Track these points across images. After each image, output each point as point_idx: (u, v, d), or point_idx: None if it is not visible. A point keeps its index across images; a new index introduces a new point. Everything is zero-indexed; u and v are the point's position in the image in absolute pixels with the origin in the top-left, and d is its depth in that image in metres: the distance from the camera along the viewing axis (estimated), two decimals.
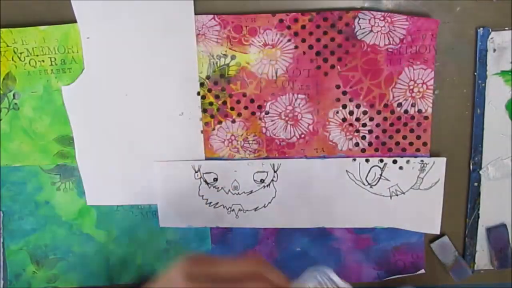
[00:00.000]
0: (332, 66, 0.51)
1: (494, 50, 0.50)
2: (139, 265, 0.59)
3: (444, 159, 0.52)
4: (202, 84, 0.52)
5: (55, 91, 0.52)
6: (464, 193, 0.55)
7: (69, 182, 0.56)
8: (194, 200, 0.55)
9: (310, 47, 0.50)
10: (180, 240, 0.58)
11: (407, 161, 0.52)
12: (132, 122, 0.53)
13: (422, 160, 0.52)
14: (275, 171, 0.53)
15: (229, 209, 0.55)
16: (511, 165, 0.53)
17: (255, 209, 0.55)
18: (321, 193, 0.54)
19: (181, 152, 0.54)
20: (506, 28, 0.50)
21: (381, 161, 0.52)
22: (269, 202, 0.54)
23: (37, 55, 0.51)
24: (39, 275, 0.59)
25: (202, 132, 0.53)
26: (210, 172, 0.54)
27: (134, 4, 0.49)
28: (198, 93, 0.52)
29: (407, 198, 0.53)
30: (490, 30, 0.50)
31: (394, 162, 0.52)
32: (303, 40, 0.50)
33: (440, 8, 0.50)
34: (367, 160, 0.53)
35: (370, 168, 0.53)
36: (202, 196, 0.55)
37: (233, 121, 0.53)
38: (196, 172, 0.54)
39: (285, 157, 0.53)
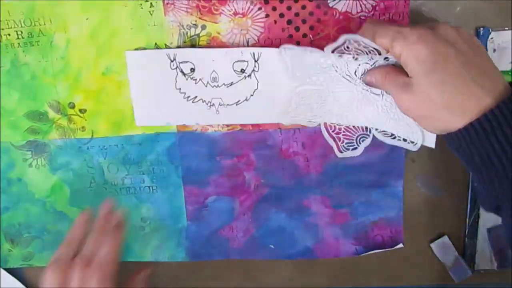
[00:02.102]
0: (304, 35, 0.54)
1: (494, 50, 0.53)
2: None
3: None
4: None
5: (23, 65, 0.56)
6: (464, 193, 0.59)
7: (41, 159, 0.60)
8: (171, 94, 0.56)
9: (281, 15, 0.54)
10: (155, 217, 0.62)
11: None
12: None
13: None
14: (255, 61, 0.54)
15: (209, 103, 0.56)
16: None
17: (237, 103, 0.56)
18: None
19: None
20: (506, 28, 0.53)
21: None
22: (251, 95, 0.56)
23: (3, 29, 0.55)
24: (15, 253, 0.63)
25: None
26: (187, 61, 0.55)
27: None
28: None
29: None
30: (490, 30, 0.53)
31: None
32: (274, 8, 0.53)
33: (440, 8, 0.53)
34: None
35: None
36: (180, 89, 0.56)
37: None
38: (171, 61, 0.55)
39: (265, 46, 0.54)
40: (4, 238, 0.63)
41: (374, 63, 0.49)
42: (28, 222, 0.62)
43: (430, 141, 0.53)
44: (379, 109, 0.53)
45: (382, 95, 0.52)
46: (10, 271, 0.65)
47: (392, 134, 0.55)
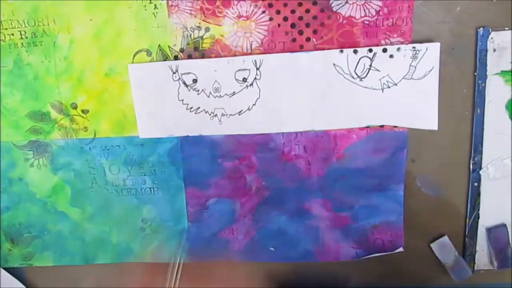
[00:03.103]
0: (308, 39, 0.55)
1: (494, 50, 0.54)
2: (115, 244, 0.64)
3: (438, 44, 0.54)
4: (176, 58, 0.56)
5: (26, 65, 0.57)
6: (464, 193, 0.59)
7: (43, 159, 0.61)
8: (174, 105, 0.57)
9: (285, 19, 0.54)
10: (155, 218, 0.62)
11: (398, 49, 0.54)
12: None
13: (414, 47, 0.53)
14: (257, 68, 0.55)
15: (212, 114, 0.57)
16: (511, 165, 0.57)
17: (239, 113, 0.57)
18: (308, 91, 0.56)
19: None
20: (506, 28, 0.54)
21: (370, 50, 0.54)
22: (254, 104, 0.57)
23: (6, 29, 0.56)
24: (15, 252, 0.64)
25: None
26: (189, 73, 0.56)
27: None
28: None
29: (399, 89, 0.55)
30: (490, 30, 0.54)
31: (384, 50, 0.54)
32: (278, 12, 0.54)
33: (440, 8, 0.54)
34: (355, 51, 0.54)
35: (359, 60, 0.54)
36: (182, 100, 0.57)
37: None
38: (174, 73, 0.56)
39: (267, 52, 0.55)
40: (4, 237, 0.64)
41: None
42: (28, 221, 0.63)
43: (432, 125, 0.56)
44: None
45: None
46: (10, 270, 0.65)
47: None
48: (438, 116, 0.56)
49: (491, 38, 0.54)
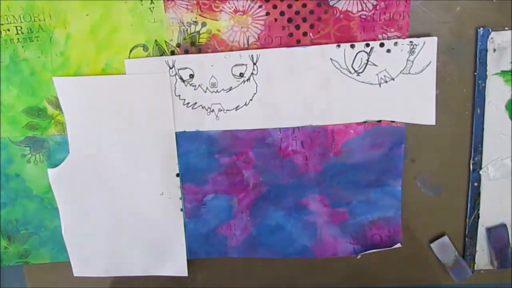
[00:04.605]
0: (305, 34, 0.55)
1: (494, 50, 0.55)
2: None
3: (435, 38, 0.54)
4: (172, 53, 0.57)
5: (22, 61, 0.57)
6: (464, 193, 0.60)
7: (39, 155, 0.61)
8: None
9: (282, 13, 0.55)
10: None
11: (395, 43, 0.54)
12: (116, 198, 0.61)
13: (411, 41, 0.54)
14: (254, 63, 0.56)
15: (209, 109, 0.58)
16: (511, 165, 0.58)
17: (236, 108, 0.58)
18: (305, 86, 0.56)
19: None
20: (506, 28, 0.54)
21: (367, 45, 0.54)
22: (251, 99, 0.57)
23: (2, 24, 0.56)
24: (11, 250, 0.65)
25: (181, 210, 0.62)
26: (186, 68, 0.56)
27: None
28: (177, 175, 0.60)
29: (397, 84, 0.56)
30: (490, 30, 0.54)
31: (381, 45, 0.54)
32: (274, 7, 0.55)
33: (440, 8, 0.54)
34: (352, 46, 0.55)
35: (356, 54, 0.55)
36: (179, 96, 0.57)
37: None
38: (170, 68, 0.56)
39: (264, 47, 0.56)
40: (1, 234, 0.64)
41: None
42: (25, 218, 0.63)
43: (430, 120, 0.56)
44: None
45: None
46: (10, 268, 0.66)
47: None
48: (438, 116, 0.56)
49: (491, 38, 0.54)
